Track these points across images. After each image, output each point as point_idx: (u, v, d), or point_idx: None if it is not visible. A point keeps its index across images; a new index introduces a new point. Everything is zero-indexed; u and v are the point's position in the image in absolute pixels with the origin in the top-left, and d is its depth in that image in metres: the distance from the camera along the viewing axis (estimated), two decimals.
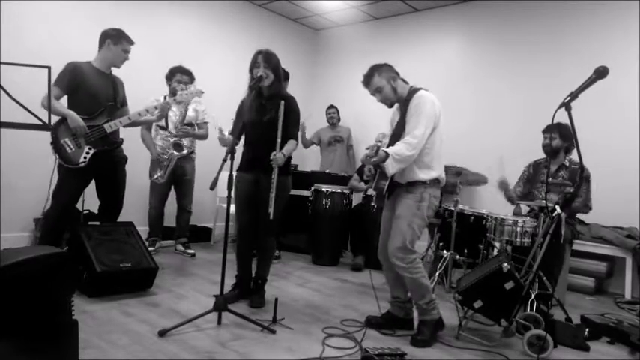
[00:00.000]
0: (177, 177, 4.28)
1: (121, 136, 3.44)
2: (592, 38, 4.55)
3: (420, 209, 2.60)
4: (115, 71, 3.48)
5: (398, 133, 2.66)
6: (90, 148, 3.16)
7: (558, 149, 3.61)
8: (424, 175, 2.60)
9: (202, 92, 3.64)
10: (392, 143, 2.64)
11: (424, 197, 2.61)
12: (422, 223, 2.62)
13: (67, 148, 3.11)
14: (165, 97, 4.10)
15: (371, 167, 2.72)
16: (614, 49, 4.38)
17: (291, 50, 6.33)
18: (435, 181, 2.66)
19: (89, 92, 3.21)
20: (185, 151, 4.16)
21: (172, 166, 4.13)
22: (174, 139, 4.13)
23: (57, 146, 3.10)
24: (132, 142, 3.74)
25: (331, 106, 5.86)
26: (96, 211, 3.51)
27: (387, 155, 2.45)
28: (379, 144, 2.50)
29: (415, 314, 2.74)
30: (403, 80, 2.74)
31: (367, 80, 2.71)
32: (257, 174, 2.99)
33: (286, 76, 4.27)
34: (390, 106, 2.77)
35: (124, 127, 3.35)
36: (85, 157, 3.14)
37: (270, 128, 2.90)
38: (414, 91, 2.66)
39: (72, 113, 3.09)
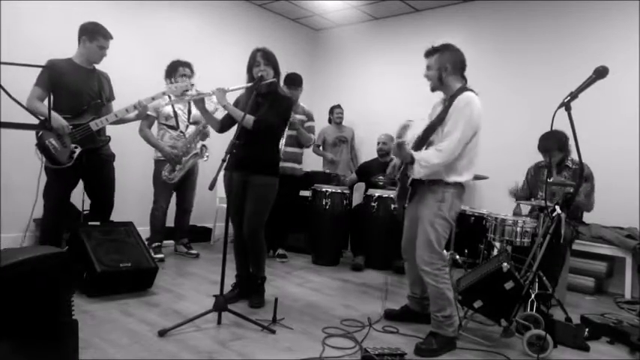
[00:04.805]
0: (183, 178, 4.11)
1: (107, 134, 3.39)
2: (592, 38, 4.55)
3: (441, 209, 2.53)
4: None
5: (433, 125, 2.60)
6: (76, 147, 3.11)
7: (561, 160, 3.58)
8: (448, 177, 2.53)
9: (193, 85, 3.61)
10: (426, 134, 2.60)
11: (445, 197, 2.53)
12: (445, 223, 2.54)
13: (52, 149, 3.02)
14: (169, 97, 3.89)
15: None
16: (614, 49, 4.38)
17: (291, 50, 6.32)
18: (459, 184, 2.57)
19: (70, 90, 3.15)
20: (205, 158, 4.11)
21: (187, 169, 4.07)
22: (200, 143, 4.08)
23: (42, 147, 3.00)
24: (120, 140, 3.65)
25: (338, 106, 5.76)
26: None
27: (413, 159, 2.45)
28: (402, 140, 2.51)
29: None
30: (463, 77, 2.65)
31: (428, 53, 2.67)
32: (246, 174, 2.95)
33: (299, 82, 4.30)
34: (432, 90, 2.69)
35: (110, 124, 3.28)
36: (71, 157, 3.09)
37: None
38: (463, 89, 2.57)
39: (53, 113, 3.01)
